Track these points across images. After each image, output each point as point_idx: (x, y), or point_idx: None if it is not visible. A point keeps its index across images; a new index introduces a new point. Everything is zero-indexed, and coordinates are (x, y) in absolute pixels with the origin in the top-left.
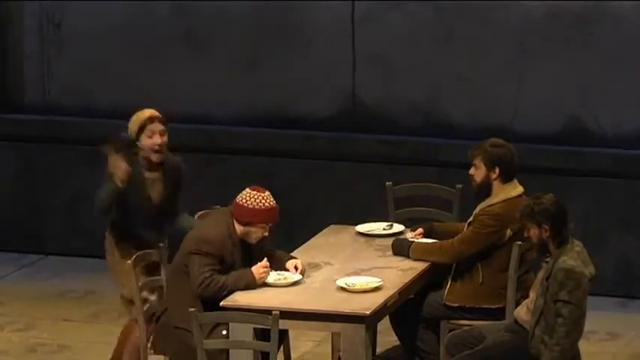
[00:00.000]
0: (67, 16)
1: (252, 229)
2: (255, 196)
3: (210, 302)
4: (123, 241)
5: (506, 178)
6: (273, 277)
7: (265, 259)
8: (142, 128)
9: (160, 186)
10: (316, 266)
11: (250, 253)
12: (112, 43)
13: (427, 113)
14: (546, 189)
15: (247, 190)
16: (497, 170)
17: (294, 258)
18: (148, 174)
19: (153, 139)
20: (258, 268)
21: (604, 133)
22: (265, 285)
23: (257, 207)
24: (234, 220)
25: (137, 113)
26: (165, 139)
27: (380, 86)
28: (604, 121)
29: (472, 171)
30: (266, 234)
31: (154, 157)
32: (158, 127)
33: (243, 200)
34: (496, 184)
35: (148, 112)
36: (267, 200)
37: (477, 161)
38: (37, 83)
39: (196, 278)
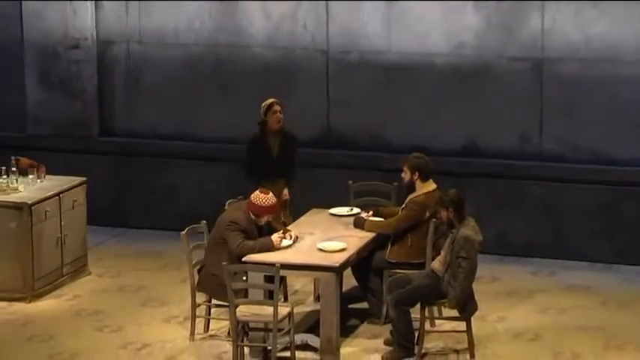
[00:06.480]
0: (142, 74)
1: (259, 217)
2: (262, 197)
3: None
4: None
5: (424, 178)
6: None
7: (282, 230)
8: (268, 109)
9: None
10: (303, 236)
11: (261, 228)
12: (171, 90)
13: (376, 136)
14: (453, 186)
15: (257, 192)
16: (417, 173)
17: (289, 230)
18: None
19: (276, 115)
20: (276, 238)
21: (490, 149)
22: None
23: (263, 205)
24: (249, 210)
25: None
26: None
27: (345, 119)
28: (491, 140)
29: (403, 174)
30: (270, 219)
31: (275, 127)
32: (277, 108)
33: (254, 199)
34: (418, 183)
35: (269, 101)
36: (270, 200)
37: (405, 168)
38: (123, 117)
39: (234, 243)
